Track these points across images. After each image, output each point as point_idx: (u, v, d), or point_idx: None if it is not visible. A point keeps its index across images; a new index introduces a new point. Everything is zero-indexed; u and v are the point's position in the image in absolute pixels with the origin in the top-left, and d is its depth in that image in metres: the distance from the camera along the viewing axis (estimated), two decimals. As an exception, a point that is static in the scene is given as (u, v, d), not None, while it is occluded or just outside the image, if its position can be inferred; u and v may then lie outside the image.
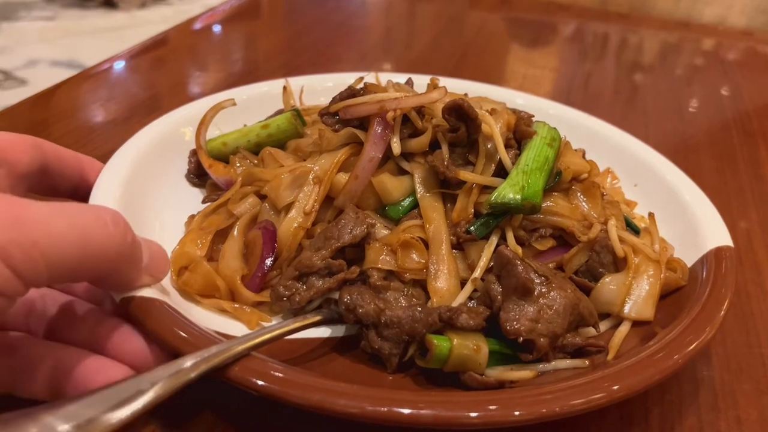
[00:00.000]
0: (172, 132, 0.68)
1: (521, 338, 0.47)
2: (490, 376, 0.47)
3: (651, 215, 0.62)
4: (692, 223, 0.62)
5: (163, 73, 0.99)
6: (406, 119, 0.58)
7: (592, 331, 0.52)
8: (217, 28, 1.28)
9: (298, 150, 0.64)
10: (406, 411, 0.39)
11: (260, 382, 0.40)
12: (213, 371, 0.40)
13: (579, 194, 0.59)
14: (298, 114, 0.67)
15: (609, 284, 0.54)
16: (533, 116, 0.64)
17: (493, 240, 0.54)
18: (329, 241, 0.53)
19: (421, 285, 0.53)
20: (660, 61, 1.33)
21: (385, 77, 0.76)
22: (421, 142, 0.57)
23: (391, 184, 0.57)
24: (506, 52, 1.33)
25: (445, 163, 0.56)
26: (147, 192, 0.60)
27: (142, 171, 0.61)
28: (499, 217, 0.55)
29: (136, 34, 1.22)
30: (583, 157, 0.64)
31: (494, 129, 0.57)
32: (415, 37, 1.37)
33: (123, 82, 1.00)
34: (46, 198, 0.51)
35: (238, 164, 0.65)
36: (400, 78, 0.72)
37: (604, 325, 0.54)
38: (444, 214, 0.56)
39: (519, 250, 0.54)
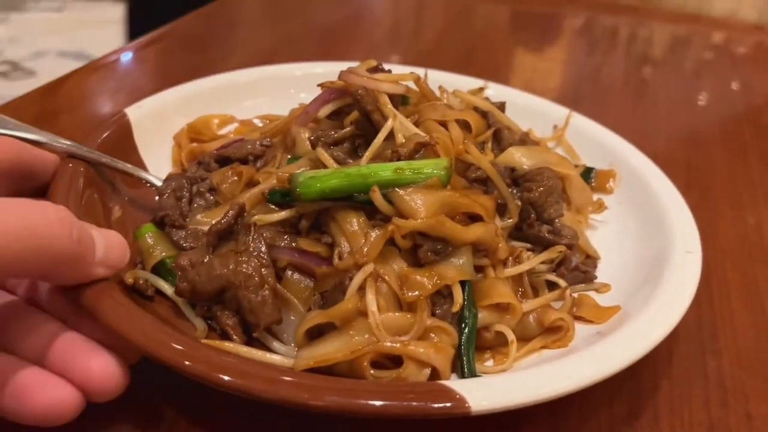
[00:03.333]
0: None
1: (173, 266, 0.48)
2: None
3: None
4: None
5: (170, 63, 0.99)
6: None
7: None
8: (225, 20, 1.27)
9: None
10: None
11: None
12: None
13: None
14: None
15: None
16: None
17: (279, 212, 0.52)
18: (224, 148, 0.64)
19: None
20: (670, 55, 1.32)
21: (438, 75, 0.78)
22: (344, 120, 0.59)
23: (299, 140, 0.59)
24: (515, 44, 1.32)
25: (317, 136, 0.57)
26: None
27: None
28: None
29: (144, 25, 1.21)
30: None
31: (385, 128, 0.54)
32: (424, 29, 1.36)
33: (131, 73, 1.00)
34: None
35: None
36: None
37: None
38: None
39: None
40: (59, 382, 0.39)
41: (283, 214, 0.52)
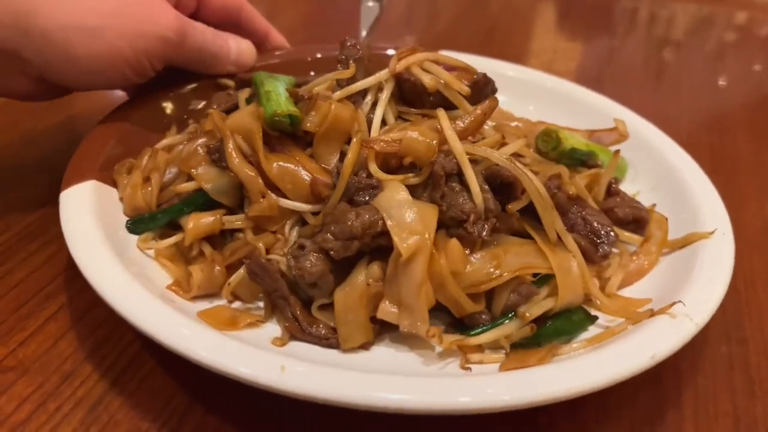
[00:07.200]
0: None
1: None
2: None
3: None
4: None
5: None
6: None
7: None
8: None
9: None
10: None
11: None
12: None
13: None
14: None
15: None
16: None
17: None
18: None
19: None
20: (692, 36, 1.29)
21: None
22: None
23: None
24: (535, 26, 1.30)
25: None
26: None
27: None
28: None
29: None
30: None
31: (326, 77, 0.61)
32: (442, 10, 1.34)
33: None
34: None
35: None
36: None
37: None
38: None
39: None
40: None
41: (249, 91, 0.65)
